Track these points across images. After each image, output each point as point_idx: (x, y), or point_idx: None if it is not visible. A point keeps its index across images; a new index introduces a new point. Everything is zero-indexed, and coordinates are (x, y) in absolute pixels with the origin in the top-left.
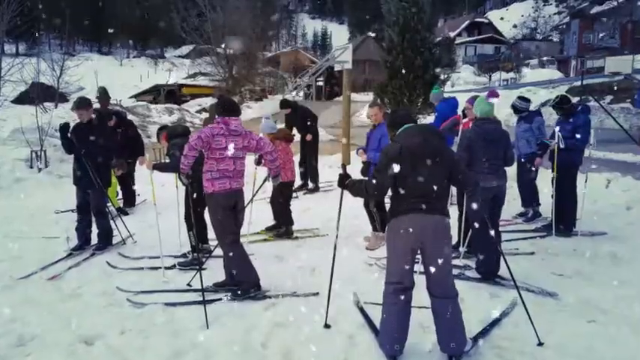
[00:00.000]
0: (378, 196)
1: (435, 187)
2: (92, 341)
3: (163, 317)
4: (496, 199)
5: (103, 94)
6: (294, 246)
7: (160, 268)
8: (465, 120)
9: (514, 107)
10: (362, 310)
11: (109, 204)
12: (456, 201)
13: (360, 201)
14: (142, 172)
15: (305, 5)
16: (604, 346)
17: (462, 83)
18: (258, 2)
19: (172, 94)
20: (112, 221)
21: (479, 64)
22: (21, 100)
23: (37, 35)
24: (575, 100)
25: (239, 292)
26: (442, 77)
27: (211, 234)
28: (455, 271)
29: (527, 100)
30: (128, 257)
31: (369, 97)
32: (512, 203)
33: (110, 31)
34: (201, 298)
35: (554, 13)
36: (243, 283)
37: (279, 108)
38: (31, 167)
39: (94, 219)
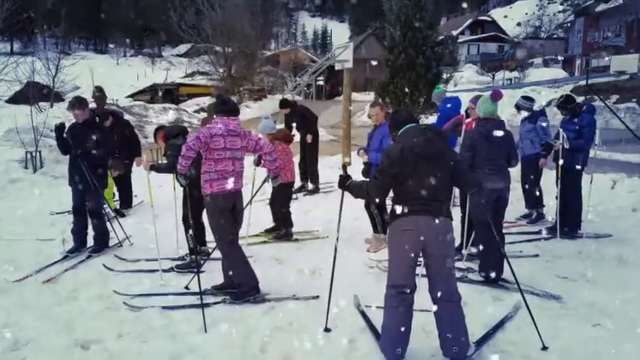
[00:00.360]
0: (379, 198)
1: (438, 189)
2: (88, 345)
3: (161, 321)
4: (499, 201)
5: (99, 94)
6: (294, 248)
7: (158, 270)
8: (467, 120)
9: (518, 107)
10: (363, 314)
11: (105, 205)
12: (459, 202)
13: (360, 202)
14: (139, 173)
15: (305, 3)
16: (609, 351)
17: (464, 82)
18: (258, 0)
19: (170, 94)
20: (108, 223)
21: (482, 63)
22: (15, 99)
23: (32, 33)
24: (580, 99)
25: (238, 296)
26: (445, 76)
27: (209, 236)
28: (457, 274)
29: (531, 100)
30: (125, 260)
31: (370, 96)
32: (516, 205)
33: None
34: (199, 302)
35: (559, 11)
36: (241, 286)
37: (278, 108)
38: (26, 168)
39: (90, 221)
